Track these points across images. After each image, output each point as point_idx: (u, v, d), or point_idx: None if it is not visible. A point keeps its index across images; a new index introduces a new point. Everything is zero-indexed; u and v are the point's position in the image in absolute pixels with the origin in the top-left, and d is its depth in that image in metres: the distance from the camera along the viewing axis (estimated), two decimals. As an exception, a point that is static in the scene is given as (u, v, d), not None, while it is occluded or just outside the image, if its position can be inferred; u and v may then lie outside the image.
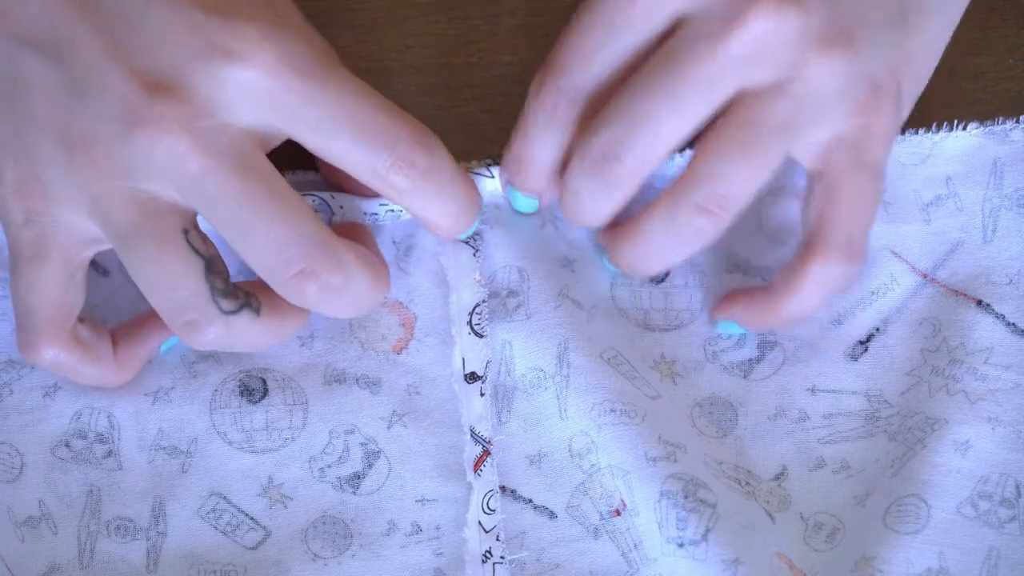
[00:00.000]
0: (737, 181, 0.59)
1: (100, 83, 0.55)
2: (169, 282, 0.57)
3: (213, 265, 0.58)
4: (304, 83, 0.56)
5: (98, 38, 0.55)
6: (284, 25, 0.57)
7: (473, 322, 0.65)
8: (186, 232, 0.57)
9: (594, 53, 0.60)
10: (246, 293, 0.59)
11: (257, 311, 0.59)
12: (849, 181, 0.60)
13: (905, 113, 0.63)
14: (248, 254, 0.57)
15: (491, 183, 0.66)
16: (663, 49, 0.59)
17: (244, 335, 0.59)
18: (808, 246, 0.61)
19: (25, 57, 0.56)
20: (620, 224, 0.62)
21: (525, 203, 0.64)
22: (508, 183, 0.64)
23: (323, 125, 0.57)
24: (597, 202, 0.61)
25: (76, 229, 0.58)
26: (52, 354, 0.60)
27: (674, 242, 0.61)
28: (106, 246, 0.59)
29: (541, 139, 0.62)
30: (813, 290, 0.61)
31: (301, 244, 0.57)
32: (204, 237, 0.58)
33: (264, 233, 0.57)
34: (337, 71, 0.58)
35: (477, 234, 0.66)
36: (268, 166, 0.57)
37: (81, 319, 0.61)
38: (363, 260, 0.59)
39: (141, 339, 0.63)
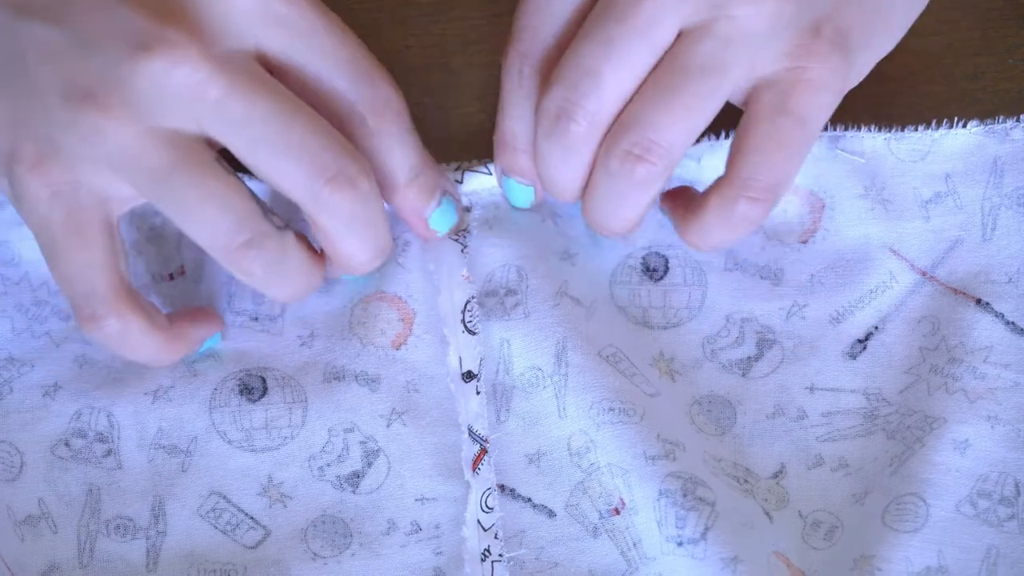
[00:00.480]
0: (664, 125, 0.59)
1: (105, 26, 0.55)
2: (221, 204, 0.57)
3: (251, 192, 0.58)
4: (304, 15, 0.58)
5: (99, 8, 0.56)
6: None
7: (466, 320, 0.65)
8: (217, 160, 0.57)
9: (543, 13, 0.61)
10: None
11: (294, 233, 0.60)
12: (767, 123, 0.60)
13: (860, 69, 0.62)
14: (279, 166, 0.57)
15: (489, 180, 0.66)
16: (601, 0, 0.59)
17: (293, 259, 0.59)
18: (717, 181, 0.61)
19: (24, 25, 0.56)
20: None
21: (521, 196, 0.65)
22: (501, 173, 0.64)
23: (313, 56, 0.59)
24: (564, 168, 0.61)
25: (104, 191, 0.58)
26: (118, 324, 0.59)
27: (616, 191, 0.61)
28: (138, 201, 0.59)
29: (516, 112, 0.63)
30: (714, 224, 0.61)
31: (331, 150, 0.57)
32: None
33: (297, 145, 0.57)
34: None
35: (465, 230, 0.66)
36: (285, 88, 0.58)
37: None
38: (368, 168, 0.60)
39: (196, 321, 0.64)
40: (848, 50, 0.60)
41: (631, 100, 0.60)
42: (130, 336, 0.60)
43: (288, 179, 0.57)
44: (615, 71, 0.59)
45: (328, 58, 0.59)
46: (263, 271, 0.58)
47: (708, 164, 0.66)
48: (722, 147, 0.66)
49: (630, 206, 0.61)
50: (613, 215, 0.62)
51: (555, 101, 0.60)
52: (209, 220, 0.57)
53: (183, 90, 0.55)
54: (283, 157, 0.57)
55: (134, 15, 0.55)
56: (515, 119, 0.63)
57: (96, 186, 0.58)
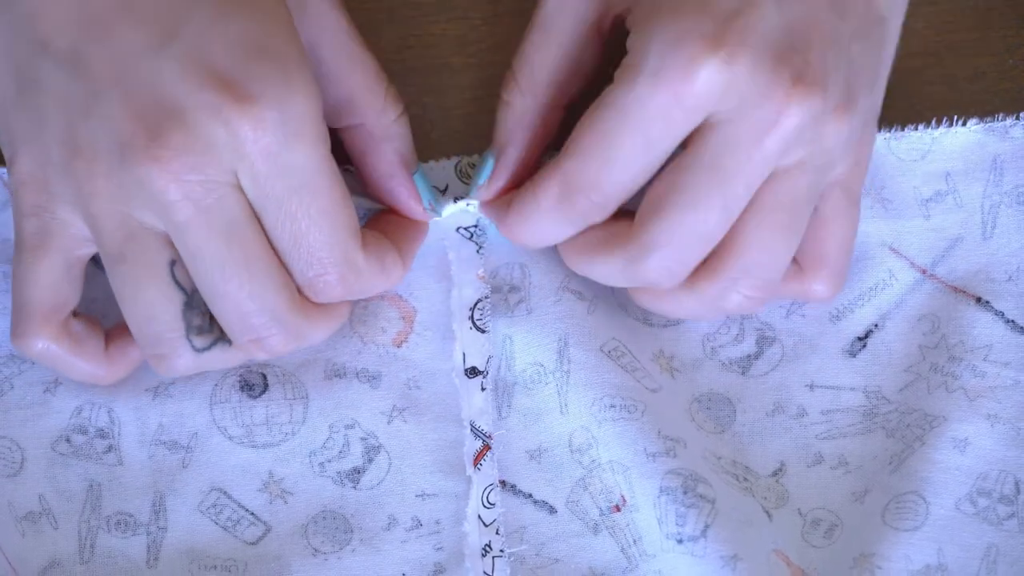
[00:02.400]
0: (781, 262, 0.60)
1: (105, 106, 0.55)
2: (146, 313, 0.58)
3: (194, 300, 0.58)
4: (284, 151, 0.56)
5: (112, 60, 0.55)
6: (294, 81, 0.56)
7: (475, 317, 0.65)
8: (172, 263, 0.58)
9: (628, 167, 0.59)
10: (221, 329, 0.59)
11: (229, 342, 0.60)
12: (843, 218, 0.62)
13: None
14: (213, 305, 0.58)
15: None
16: (700, 158, 0.58)
17: (213, 364, 0.60)
18: (807, 271, 0.63)
19: (43, 62, 0.56)
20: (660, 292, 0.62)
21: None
22: (495, 222, 0.65)
23: (284, 212, 0.57)
24: (555, 233, 0.62)
25: (76, 229, 0.58)
26: (42, 345, 0.60)
27: (699, 311, 0.62)
28: None
29: (557, 231, 0.62)
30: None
31: (262, 316, 0.58)
32: None
33: (232, 298, 0.57)
34: (323, 151, 0.57)
35: (481, 230, 0.66)
36: (251, 228, 0.57)
37: (76, 314, 0.61)
38: (324, 322, 0.60)
39: (133, 341, 0.63)
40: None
41: (740, 242, 0.59)
42: (55, 360, 0.61)
43: (217, 313, 0.58)
44: (720, 224, 0.59)
45: (287, 234, 0.58)
46: (169, 376, 0.61)
47: None
48: None
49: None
50: (670, 313, 0.63)
51: (658, 263, 0.60)
52: (134, 322, 0.59)
53: (153, 203, 0.56)
54: (216, 300, 0.58)
55: (134, 113, 0.55)
56: (552, 236, 0.62)
57: (70, 223, 0.58)
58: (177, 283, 0.58)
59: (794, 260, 0.62)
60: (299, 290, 0.59)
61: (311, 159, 0.56)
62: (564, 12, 0.62)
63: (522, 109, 0.63)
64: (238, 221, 0.56)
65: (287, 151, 0.55)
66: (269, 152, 0.55)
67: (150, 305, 0.58)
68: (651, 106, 0.56)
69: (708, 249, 0.59)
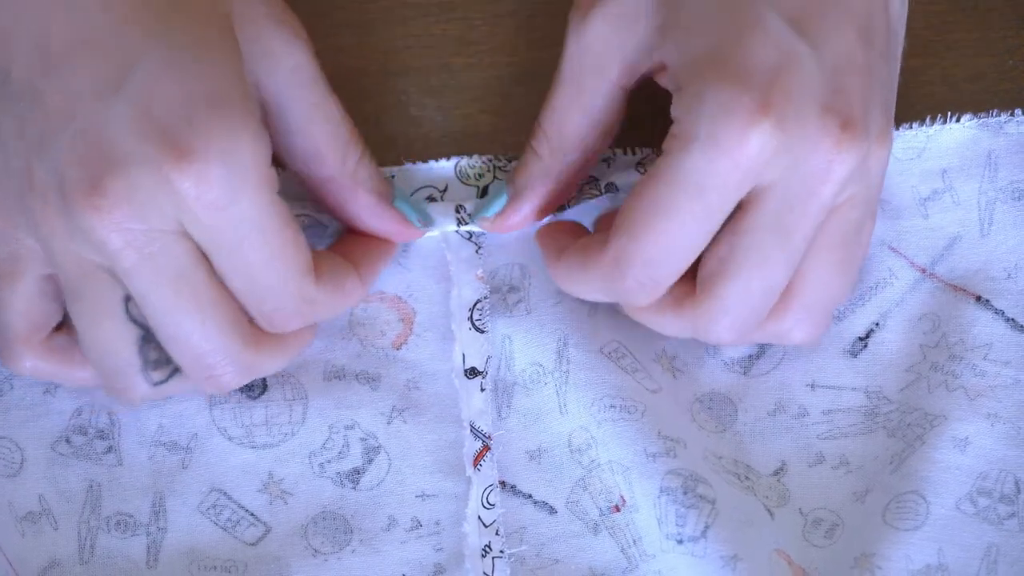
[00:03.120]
0: (842, 294, 0.61)
1: (55, 146, 0.55)
2: (103, 349, 0.58)
3: (150, 335, 0.58)
4: (230, 205, 0.55)
5: (66, 99, 0.55)
6: (240, 134, 0.55)
7: (474, 318, 0.65)
8: (127, 300, 0.57)
9: (683, 240, 0.58)
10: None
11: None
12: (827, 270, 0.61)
13: None
14: (166, 344, 0.58)
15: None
16: (759, 218, 0.58)
17: (171, 392, 0.60)
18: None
19: (4, 90, 0.56)
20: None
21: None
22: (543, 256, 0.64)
23: (234, 261, 0.57)
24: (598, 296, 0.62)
25: (38, 259, 0.58)
26: (30, 364, 0.60)
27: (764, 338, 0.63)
28: None
29: (604, 296, 0.62)
30: None
31: (215, 356, 0.58)
32: None
33: (183, 341, 0.57)
34: (270, 196, 0.56)
35: (480, 232, 0.66)
36: (200, 272, 0.56)
37: (62, 326, 0.61)
38: (281, 353, 0.60)
39: None
40: None
41: (802, 281, 0.60)
42: (47, 375, 0.61)
43: (169, 350, 0.58)
44: (785, 278, 0.60)
45: (239, 277, 0.57)
46: (123, 400, 0.60)
47: None
48: None
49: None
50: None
51: (724, 325, 0.60)
52: (91, 356, 0.59)
53: (98, 248, 0.55)
54: (167, 341, 0.57)
55: (77, 161, 0.54)
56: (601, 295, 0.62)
57: (36, 249, 0.58)
58: (132, 320, 0.58)
59: None
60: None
61: (258, 207, 0.55)
62: (589, 71, 0.62)
63: (549, 162, 0.63)
64: (185, 267, 0.56)
65: (233, 204, 0.55)
66: (214, 206, 0.55)
67: (106, 341, 0.58)
68: (707, 174, 0.56)
69: (772, 302, 0.59)
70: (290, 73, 0.59)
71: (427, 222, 0.65)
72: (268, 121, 0.60)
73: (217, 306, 0.57)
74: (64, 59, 0.55)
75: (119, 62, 0.54)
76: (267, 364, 0.60)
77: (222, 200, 0.54)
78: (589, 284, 0.61)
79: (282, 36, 0.59)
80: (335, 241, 0.65)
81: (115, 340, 0.58)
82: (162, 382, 0.59)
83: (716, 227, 0.58)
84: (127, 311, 0.57)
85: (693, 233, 0.57)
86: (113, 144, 0.54)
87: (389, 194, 0.63)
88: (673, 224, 0.57)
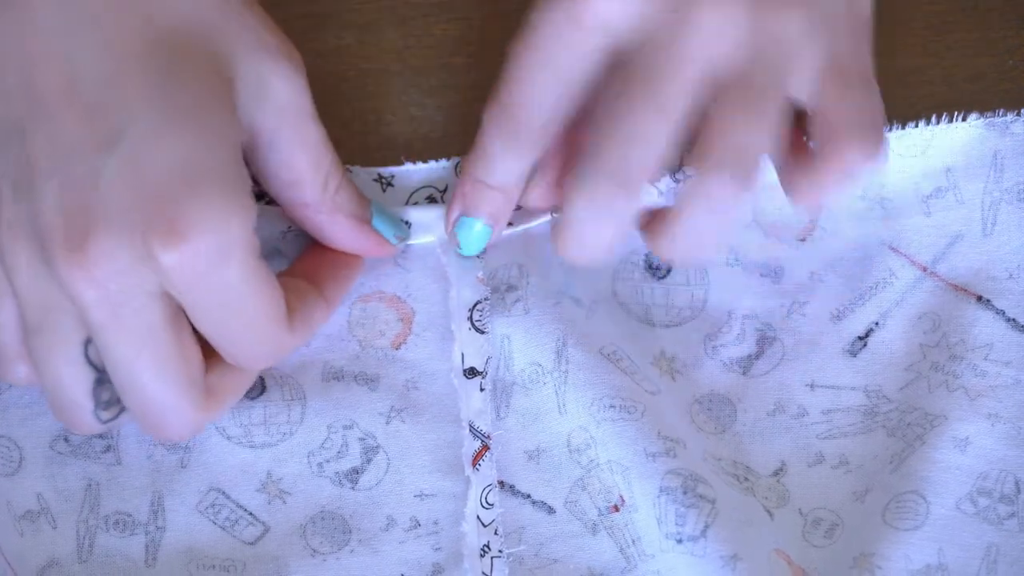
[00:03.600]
0: (757, 141, 0.57)
1: (37, 192, 0.55)
2: (55, 385, 0.58)
3: (106, 376, 0.58)
4: (212, 278, 0.55)
5: (53, 148, 0.55)
6: (228, 210, 0.55)
7: (474, 318, 0.65)
8: (87, 342, 0.57)
9: (546, 94, 0.59)
10: None
11: None
12: (847, 94, 0.59)
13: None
14: (120, 391, 0.58)
15: None
16: (630, 75, 0.57)
17: (119, 425, 0.61)
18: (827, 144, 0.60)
19: None
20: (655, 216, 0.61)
21: (475, 241, 0.64)
22: (461, 214, 0.64)
23: (212, 317, 0.57)
24: (603, 233, 0.59)
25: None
26: (23, 374, 0.60)
27: (710, 221, 0.59)
28: None
29: (505, 164, 0.62)
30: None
31: (164, 413, 0.58)
32: None
33: (136, 394, 0.57)
34: (253, 263, 0.56)
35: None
36: (168, 333, 0.56)
37: None
38: (222, 411, 0.60)
39: None
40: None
41: (708, 127, 0.58)
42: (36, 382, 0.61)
43: (122, 398, 0.58)
44: (661, 132, 0.57)
45: (217, 335, 0.58)
46: (70, 429, 0.60)
47: None
48: None
49: (721, 231, 0.60)
50: (702, 245, 0.60)
51: (603, 168, 0.58)
52: (46, 387, 0.58)
53: (72, 298, 0.55)
54: (122, 391, 0.57)
55: (57, 217, 0.54)
56: (501, 172, 0.62)
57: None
58: (90, 362, 0.58)
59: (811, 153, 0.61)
60: (210, 370, 0.59)
61: (239, 279, 0.56)
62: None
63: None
64: (155, 328, 0.56)
65: (214, 278, 0.55)
66: (197, 279, 0.55)
67: (60, 379, 0.58)
68: (549, 29, 0.57)
69: (653, 153, 0.57)
70: (282, 109, 0.59)
71: (404, 237, 0.65)
72: (253, 153, 0.60)
73: (179, 369, 0.57)
74: (53, 108, 0.55)
75: (114, 118, 0.54)
76: (211, 419, 0.60)
77: (205, 275, 0.55)
78: (495, 157, 0.62)
79: (278, 71, 0.59)
80: (301, 255, 0.65)
81: (70, 379, 0.58)
82: (111, 420, 0.59)
83: (574, 89, 0.58)
84: (85, 354, 0.58)
85: (551, 90, 0.59)
86: (101, 204, 0.54)
87: (367, 215, 0.64)
88: (533, 76, 0.59)
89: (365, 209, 0.64)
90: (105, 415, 0.59)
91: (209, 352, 0.59)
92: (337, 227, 0.63)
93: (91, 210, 0.54)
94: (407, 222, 0.66)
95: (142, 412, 0.58)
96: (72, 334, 0.57)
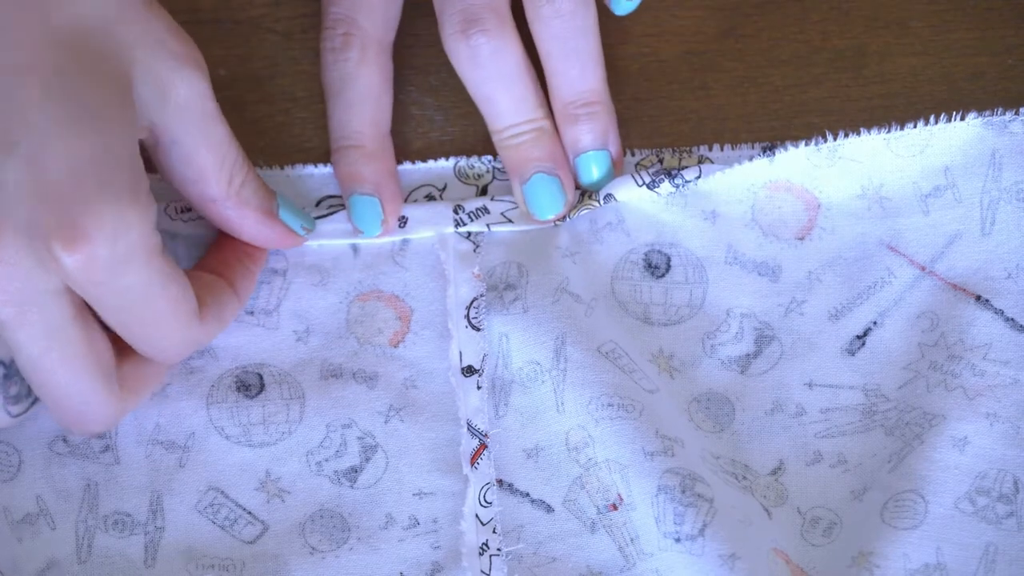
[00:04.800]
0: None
1: None
2: None
3: (12, 370, 0.58)
4: (116, 279, 0.55)
5: None
6: (129, 214, 0.55)
7: (470, 316, 0.65)
8: None
9: None
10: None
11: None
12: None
13: None
14: (33, 387, 0.58)
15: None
16: None
17: (26, 419, 0.61)
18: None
19: None
20: None
21: (372, 215, 0.66)
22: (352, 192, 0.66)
23: (119, 317, 0.57)
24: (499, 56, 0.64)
25: None
26: None
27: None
28: None
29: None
30: None
31: (79, 407, 0.58)
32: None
33: (49, 390, 0.57)
34: (157, 262, 0.57)
35: (479, 233, 0.66)
36: (75, 328, 0.56)
37: None
38: (136, 401, 0.61)
39: None
40: None
41: None
42: None
43: (36, 392, 0.58)
44: None
45: (126, 332, 0.58)
46: None
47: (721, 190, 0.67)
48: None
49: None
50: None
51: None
52: None
53: None
54: (35, 387, 0.57)
55: None
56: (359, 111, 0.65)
57: None
58: None
59: None
60: (122, 360, 0.60)
61: (144, 280, 0.56)
62: None
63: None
64: (62, 324, 0.56)
65: (119, 279, 0.55)
66: (99, 282, 0.55)
67: None
68: None
69: None
70: (183, 110, 0.59)
71: (310, 228, 0.66)
72: (156, 151, 0.60)
73: (88, 361, 0.57)
74: None
75: (14, 118, 0.54)
76: (128, 410, 0.60)
77: (108, 277, 0.55)
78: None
79: (179, 73, 0.59)
80: (209, 251, 0.65)
81: None
82: (22, 413, 0.60)
83: None
84: None
85: None
86: (2, 206, 0.54)
87: (273, 208, 0.64)
88: None
89: (271, 202, 0.64)
90: (15, 408, 0.59)
91: (121, 344, 0.59)
92: (245, 221, 0.63)
93: None
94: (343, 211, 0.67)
95: (57, 406, 0.58)
96: None
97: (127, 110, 0.57)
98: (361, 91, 0.65)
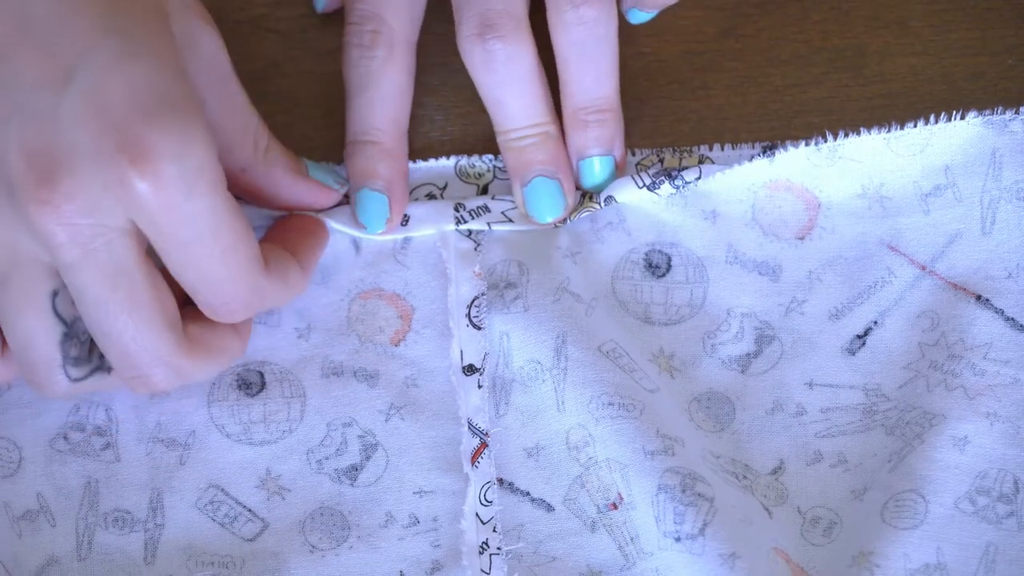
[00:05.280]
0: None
1: (1, 136, 0.54)
2: (24, 340, 0.57)
3: (74, 330, 0.58)
4: (186, 202, 0.55)
5: (11, 90, 0.54)
6: (193, 133, 0.55)
7: (471, 314, 0.65)
8: (55, 294, 0.57)
9: None
10: (100, 356, 0.58)
11: (108, 371, 0.59)
12: None
13: None
14: (97, 339, 0.57)
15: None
16: None
17: (90, 390, 0.60)
18: None
19: None
20: None
21: (379, 210, 0.66)
22: (364, 184, 0.66)
23: (186, 252, 0.56)
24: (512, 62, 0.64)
25: None
26: None
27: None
28: None
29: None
30: None
31: (145, 356, 0.57)
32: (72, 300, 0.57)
33: (115, 339, 0.56)
34: (222, 192, 0.56)
35: (479, 232, 0.66)
36: (141, 271, 0.56)
37: None
38: (210, 364, 0.60)
39: None
40: None
41: None
42: None
43: (101, 345, 0.57)
44: None
45: (191, 273, 0.57)
46: (41, 392, 0.59)
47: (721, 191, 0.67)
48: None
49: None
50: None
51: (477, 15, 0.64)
52: (13, 345, 0.58)
53: (40, 241, 0.55)
54: (99, 335, 0.57)
55: (22, 156, 0.54)
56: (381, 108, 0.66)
57: None
58: (57, 314, 0.57)
59: None
60: (191, 321, 0.59)
61: (211, 206, 0.55)
62: None
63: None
64: (128, 266, 0.56)
65: (187, 203, 0.55)
66: (168, 206, 0.54)
67: (29, 333, 0.57)
68: None
69: None
70: (210, 65, 0.60)
71: (343, 183, 0.66)
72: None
73: (154, 307, 0.56)
74: (7, 49, 0.55)
75: (67, 57, 0.54)
76: (197, 372, 0.59)
77: (177, 199, 0.54)
78: None
79: (205, 31, 0.60)
80: (270, 229, 0.65)
81: (37, 333, 0.57)
82: (81, 379, 0.59)
83: None
84: (53, 306, 0.57)
85: None
86: (65, 140, 0.54)
87: (303, 168, 0.65)
88: None
89: (299, 163, 0.64)
90: (75, 372, 0.58)
91: (187, 308, 0.59)
92: (280, 183, 0.64)
93: (56, 146, 0.54)
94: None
95: (122, 356, 0.57)
96: (40, 285, 0.57)
97: (174, 47, 0.56)
98: (385, 89, 0.66)
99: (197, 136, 0.54)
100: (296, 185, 0.64)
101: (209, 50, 0.60)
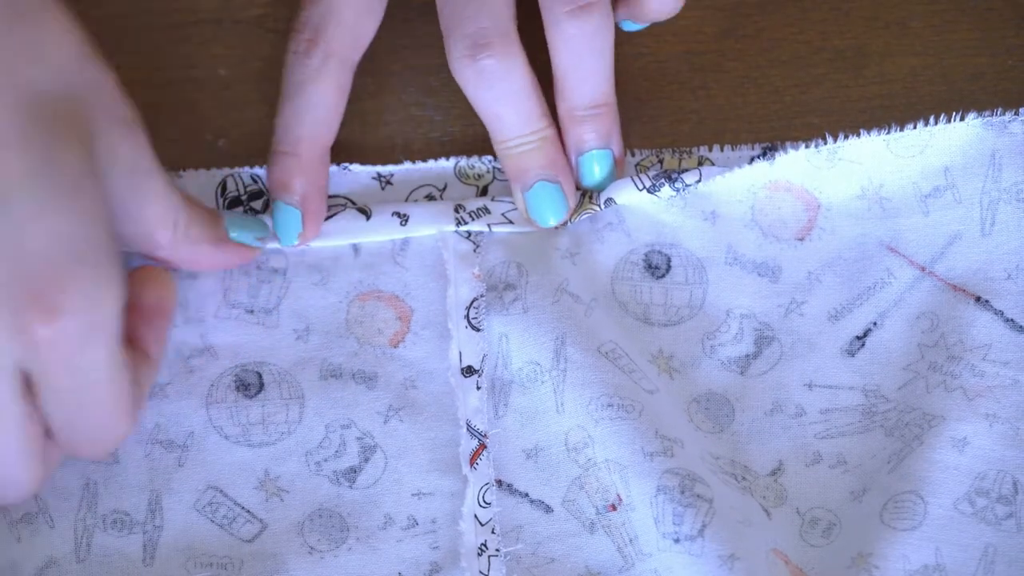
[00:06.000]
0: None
1: None
2: None
3: None
4: (80, 355, 0.55)
5: None
6: (103, 290, 0.55)
7: (470, 316, 0.65)
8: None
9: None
10: None
11: None
12: None
13: None
14: None
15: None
16: None
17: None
18: None
19: None
20: None
21: (292, 224, 0.66)
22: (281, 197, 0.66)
23: (68, 400, 0.57)
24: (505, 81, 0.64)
25: None
26: None
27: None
28: None
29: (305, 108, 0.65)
30: None
31: (10, 476, 0.57)
32: None
33: None
34: (116, 348, 0.56)
35: (479, 232, 0.66)
36: (17, 408, 0.56)
37: None
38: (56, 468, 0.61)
39: None
40: None
41: None
42: None
43: None
44: None
45: (63, 417, 0.57)
46: None
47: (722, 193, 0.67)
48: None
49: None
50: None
51: (469, 34, 0.63)
52: None
53: None
54: None
55: None
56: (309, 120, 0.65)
57: None
58: None
59: None
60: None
61: (103, 359, 0.56)
62: None
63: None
64: (5, 403, 0.55)
65: (81, 356, 0.55)
66: (63, 358, 0.55)
67: None
68: None
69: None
70: (130, 168, 0.59)
71: (265, 236, 0.66)
72: None
73: (25, 443, 0.57)
74: None
75: None
76: (49, 475, 0.60)
77: (73, 353, 0.55)
78: None
79: (126, 137, 0.58)
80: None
81: None
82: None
83: None
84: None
85: None
86: None
87: (222, 231, 0.64)
88: None
89: (219, 228, 0.64)
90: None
91: None
92: (199, 255, 0.64)
93: None
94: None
95: None
96: None
97: (98, 186, 0.56)
98: (312, 101, 0.65)
99: (108, 292, 0.55)
100: (215, 254, 0.64)
101: (129, 155, 0.59)
